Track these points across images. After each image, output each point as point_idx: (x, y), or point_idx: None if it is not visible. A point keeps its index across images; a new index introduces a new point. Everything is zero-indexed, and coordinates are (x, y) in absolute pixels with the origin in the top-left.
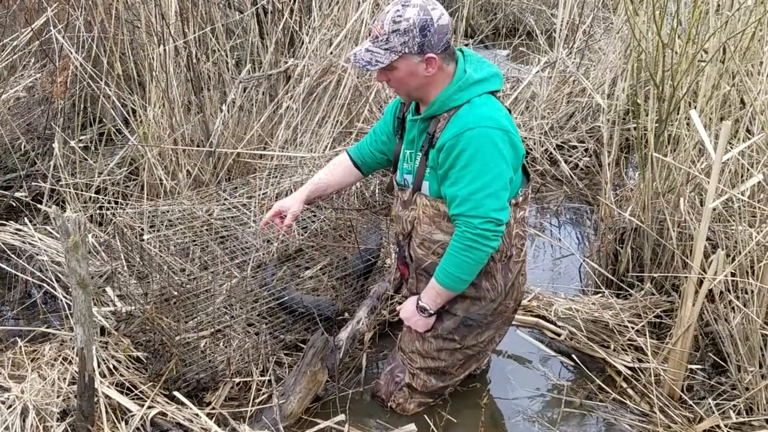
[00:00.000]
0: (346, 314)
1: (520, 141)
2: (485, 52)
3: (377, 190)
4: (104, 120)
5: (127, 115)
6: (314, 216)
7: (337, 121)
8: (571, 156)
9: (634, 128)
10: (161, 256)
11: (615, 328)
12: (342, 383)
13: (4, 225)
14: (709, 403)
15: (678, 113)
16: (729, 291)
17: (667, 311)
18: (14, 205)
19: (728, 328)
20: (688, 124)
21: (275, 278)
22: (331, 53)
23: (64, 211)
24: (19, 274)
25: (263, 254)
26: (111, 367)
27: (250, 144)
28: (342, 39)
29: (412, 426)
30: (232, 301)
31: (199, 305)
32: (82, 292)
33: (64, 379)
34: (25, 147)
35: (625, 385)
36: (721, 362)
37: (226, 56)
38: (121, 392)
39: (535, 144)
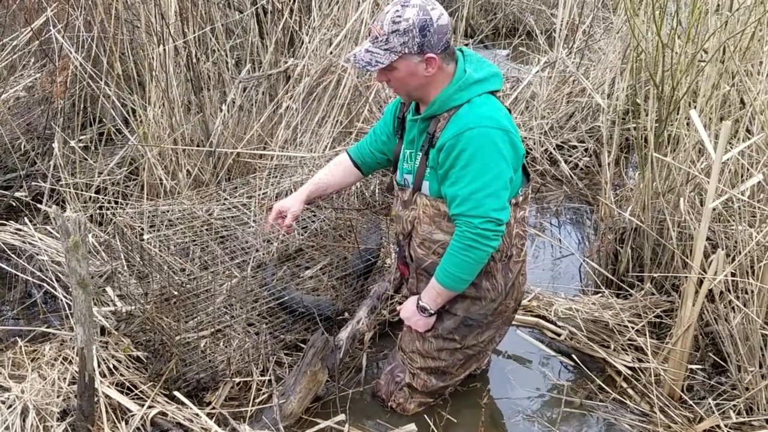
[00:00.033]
0: (346, 314)
1: (520, 141)
2: (485, 52)
3: (377, 190)
4: (104, 120)
5: (127, 115)
6: (314, 216)
7: (337, 121)
8: (570, 156)
9: (634, 128)
10: (161, 256)
11: (615, 328)
12: (342, 383)
13: (4, 225)
14: (709, 403)
15: (678, 113)
16: (729, 291)
17: (667, 311)
18: (14, 204)
19: (728, 328)
20: (687, 124)
21: (275, 278)
22: (331, 53)
23: (64, 210)
24: (19, 273)
25: (263, 254)
26: (111, 366)
27: (250, 144)
28: (342, 39)
29: (412, 426)
30: (232, 301)
31: (199, 305)
32: (82, 291)
33: (64, 378)
34: (25, 147)
35: (625, 385)
36: (721, 362)
37: (226, 56)
38: (122, 392)
39: (535, 144)
